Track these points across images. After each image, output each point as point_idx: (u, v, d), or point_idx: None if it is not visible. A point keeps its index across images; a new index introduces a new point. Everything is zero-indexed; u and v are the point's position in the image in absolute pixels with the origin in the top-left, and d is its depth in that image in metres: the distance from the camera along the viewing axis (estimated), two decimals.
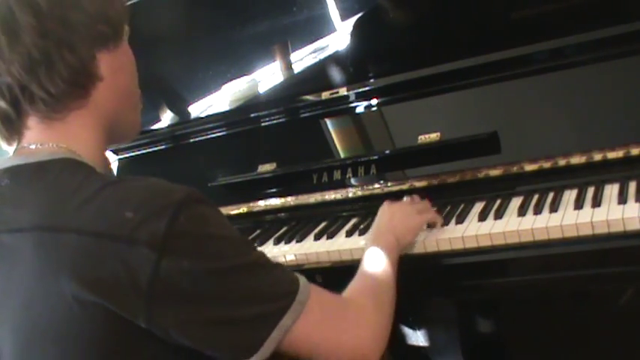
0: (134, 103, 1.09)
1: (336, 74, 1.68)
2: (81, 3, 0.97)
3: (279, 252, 1.50)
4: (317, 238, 1.49)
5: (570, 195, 1.32)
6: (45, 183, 0.94)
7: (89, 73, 0.98)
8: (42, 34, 0.93)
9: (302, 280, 0.97)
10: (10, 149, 1.04)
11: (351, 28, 1.66)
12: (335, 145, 1.65)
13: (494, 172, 1.43)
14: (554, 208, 1.28)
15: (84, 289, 0.87)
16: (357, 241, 1.42)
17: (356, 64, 1.67)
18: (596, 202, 1.25)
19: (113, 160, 1.96)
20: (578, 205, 1.26)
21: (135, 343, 0.89)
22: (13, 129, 1.00)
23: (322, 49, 1.71)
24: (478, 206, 1.40)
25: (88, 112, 1.00)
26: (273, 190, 1.69)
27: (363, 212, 1.55)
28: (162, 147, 1.90)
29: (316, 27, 1.70)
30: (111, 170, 1.84)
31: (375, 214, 1.39)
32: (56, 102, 0.96)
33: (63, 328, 0.89)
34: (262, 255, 0.97)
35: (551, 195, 1.34)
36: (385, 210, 1.34)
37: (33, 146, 0.98)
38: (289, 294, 0.94)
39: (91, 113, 1.00)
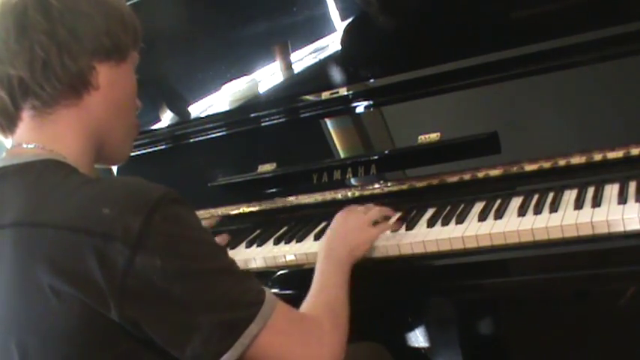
0: (126, 125, 1.11)
1: (336, 74, 1.68)
2: (92, 15, 1.01)
3: (279, 252, 1.50)
4: (317, 238, 1.49)
5: (570, 195, 1.32)
6: (27, 181, 0.97)
7: (85, 81, 1.02)
8: (48, 35, 0.98)
9: (268, 292, 0.98)
10: (5, 145, 1.06)
11: (351, 28, 1.66)
12: (335, 145, 1.65)
13: (494, 172, 1.43)
14: (554, 208, 1.28)
15: (60, 279, 0.88)
16: None
17: (356, 64, 1.66)
18: (596, 202, 1.25)
19: None
20: (578, 205, 1.26)
21: (109, 336, 0.91)
22: (10, 120, 1.03)
23: (322, 49, 1.71)
24: (478, 206, 1.40)
25: (77, 113, 1.03)
26: (273, 190, 1.69)
27: None
28: (163, 147, 1.89)
29: (316, 27, 1.70)
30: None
31: None
32: (48, 97, 1.00)
33: (41, 321, 0.91)
34: (234, 263, 0.98)
35: (551, 195, 1.34)
36: (339, 220, 1.34)
37: (23, 146, 1.01)
38: (256, 304, 0.95)
39: (81, 116, 1.03)
